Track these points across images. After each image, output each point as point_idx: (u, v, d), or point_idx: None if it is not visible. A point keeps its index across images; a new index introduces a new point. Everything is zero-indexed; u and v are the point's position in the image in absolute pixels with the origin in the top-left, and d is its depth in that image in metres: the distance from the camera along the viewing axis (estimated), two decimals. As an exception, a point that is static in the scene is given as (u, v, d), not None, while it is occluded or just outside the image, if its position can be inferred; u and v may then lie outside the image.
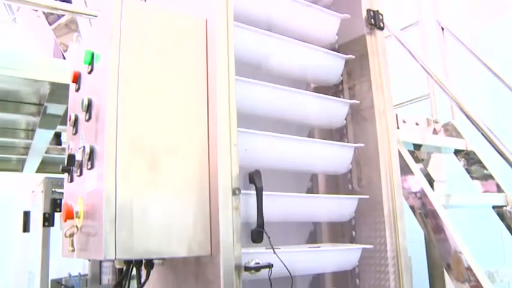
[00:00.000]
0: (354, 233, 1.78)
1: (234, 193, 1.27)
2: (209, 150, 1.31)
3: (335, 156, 1.71)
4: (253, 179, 1.29)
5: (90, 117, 1.33)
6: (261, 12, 1.66)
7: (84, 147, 1.30)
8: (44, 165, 3.81)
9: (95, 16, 2.06)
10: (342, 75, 1.85)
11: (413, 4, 3.12)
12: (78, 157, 1.37)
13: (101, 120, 1.24)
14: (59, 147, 3.47)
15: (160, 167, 1.24)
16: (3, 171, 4.08)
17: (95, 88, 1.34)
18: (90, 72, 1.38)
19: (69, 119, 1.50)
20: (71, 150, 1.51)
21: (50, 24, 3.49)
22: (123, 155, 1.20)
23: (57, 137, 3.41)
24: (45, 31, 3.54)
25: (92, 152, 1.27)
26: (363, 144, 1.74)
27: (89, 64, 1.37)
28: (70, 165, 1.40)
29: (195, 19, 1.40)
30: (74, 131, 1.48)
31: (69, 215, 1.34)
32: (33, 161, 3.72)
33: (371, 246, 1.66)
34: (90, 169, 1.28)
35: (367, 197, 1.69)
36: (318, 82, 1.92)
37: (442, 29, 2.98)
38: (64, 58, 3.63)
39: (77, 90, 1.51)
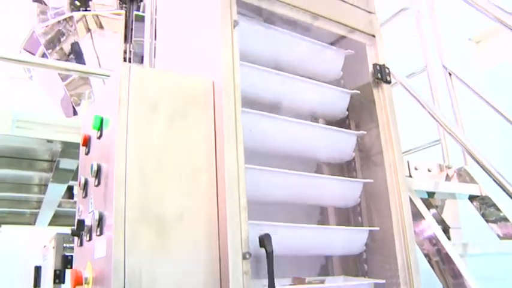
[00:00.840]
0: (368, 288, 1.74)
1: (244, 257, 1.25)
2: (218, 214, 1.30)
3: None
4: (264, 243, 1.27)
5: (99, 183, 1.34)
6: (267, 50, 1.69)
7: (93, 212, 1.30)
8: (57, 218, 3.83)
9: (108, 76, 2.11)
10: (347, 109, 1.86)
11: (419, 50, 3.16)
12: (88, 222, 1.37)
13: (110, 187, 1.25)
14: (71, 200, 3.49)
15: (169, 233, 1.23)
16: (17, 225, 4.11)
17: (103, 154, 1.35)
18: (99, 138, 1.39)
19: (79, 183, 1.51)
20: (81, 213, 1.51)
21: (63, 80, 3.59)
22: (132, 222, 1.19)
23: (70, 190, 3.43)
24: (58, 87, 3.63)
25: (100, 219, 1.27)
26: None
27: (98, 130, 1.39)
28: (79, 230, 1.40)
29: (202, 80, 1.42)
30: (83, 194, 1.49)
31: (78, 281, 1.33)
32: (45, 214, 3.74)
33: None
34: (99, 235, 1.27)
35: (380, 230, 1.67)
36: (324, 116, 1.94)
37: (450, 74, 2.99)
38: (76, 113, 3.71)
39: (87, 153, 1.52)
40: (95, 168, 1.34)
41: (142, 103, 1.30)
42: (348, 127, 1.84)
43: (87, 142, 1.51)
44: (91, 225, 1.34)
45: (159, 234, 1.22)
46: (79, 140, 1.62)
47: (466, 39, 4.23)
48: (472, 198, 2.66)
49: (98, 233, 1.27)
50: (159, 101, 1.33)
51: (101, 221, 1.27)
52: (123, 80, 1.30)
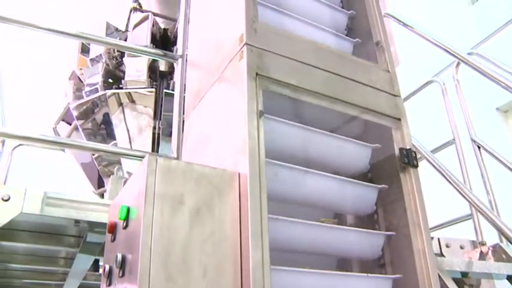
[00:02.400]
0: None
1: None
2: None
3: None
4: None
5: (123, 274, 1.33)
6: (297, 147, 1.71)
7: (116, 305, 1.29)
8: (81, 291, 3.79)
9: (138, 158, 2.14)
10: (376, 204, 1.81)
11: (446, 122, 3.15)
12: (111, 312, 1.35)
13: (134, 280, 1.24)
14: (96, 273, 3.47)
15: (191, 330, 1.20)
16: (42, 296, 4.08)
17: (129, 244, 1.35)
18: (125, 228, 1.40)
19: (104, 270, 1.51)
20: (104, 301, 1.50)
21: (93, 153, 3.69)
22: (154, 320, 1.17)
23: (95, 263, 3.42)
24: (88, 158, 3.73)
25: (123, 313, 1.25)
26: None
27: (124, 220, 1.40)
28: (102, 320, 1.38)
29: (228, 173, 1.44)
30: (107, 283, 1.48)
31: None
32: (70, 286, 3.72)
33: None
34: (121, 330, 1.25)
35: None
36: (352, 212, 1.90)
37: (479, 147, 2.95)
38: (102, 184, 3.78)
39: (113, 240, 1.53)
40: (119, 259, 1.34)
41: (168, 195, 1.32)
42: (376, 221, 1.81)
43: (113, 230, 1.52)
44: (114, 317, 1.33)
45: (181, 332, 1.19)
46: (105, 219, 1.64)
47: (493, 109, 4.20)
48: (510, 278, 2.53)
49: (121, 328, 1.25)
50: (185, 193, 1.34)
51: (123, 315, 1.25)
52: (150, 173, 1.32)
